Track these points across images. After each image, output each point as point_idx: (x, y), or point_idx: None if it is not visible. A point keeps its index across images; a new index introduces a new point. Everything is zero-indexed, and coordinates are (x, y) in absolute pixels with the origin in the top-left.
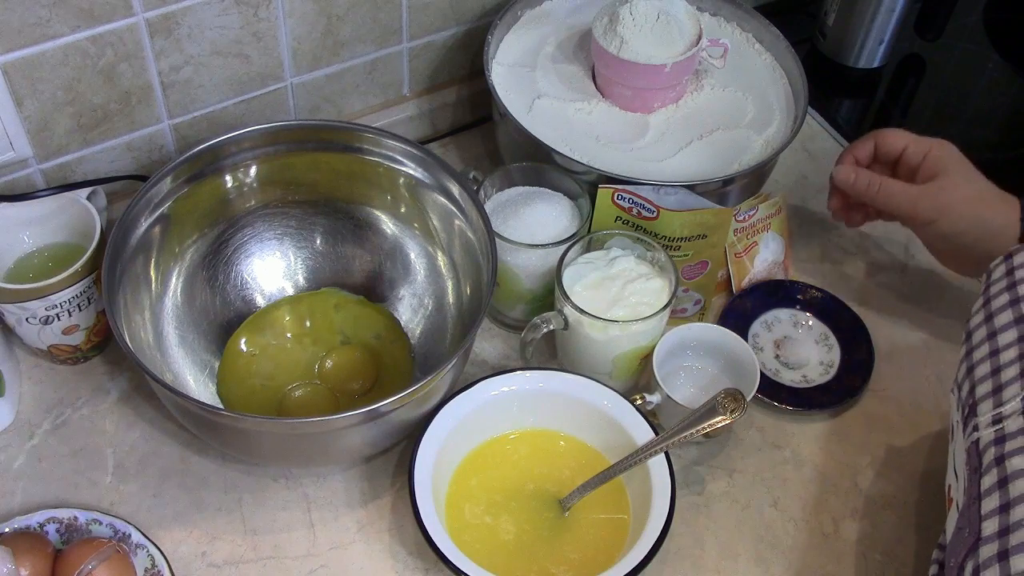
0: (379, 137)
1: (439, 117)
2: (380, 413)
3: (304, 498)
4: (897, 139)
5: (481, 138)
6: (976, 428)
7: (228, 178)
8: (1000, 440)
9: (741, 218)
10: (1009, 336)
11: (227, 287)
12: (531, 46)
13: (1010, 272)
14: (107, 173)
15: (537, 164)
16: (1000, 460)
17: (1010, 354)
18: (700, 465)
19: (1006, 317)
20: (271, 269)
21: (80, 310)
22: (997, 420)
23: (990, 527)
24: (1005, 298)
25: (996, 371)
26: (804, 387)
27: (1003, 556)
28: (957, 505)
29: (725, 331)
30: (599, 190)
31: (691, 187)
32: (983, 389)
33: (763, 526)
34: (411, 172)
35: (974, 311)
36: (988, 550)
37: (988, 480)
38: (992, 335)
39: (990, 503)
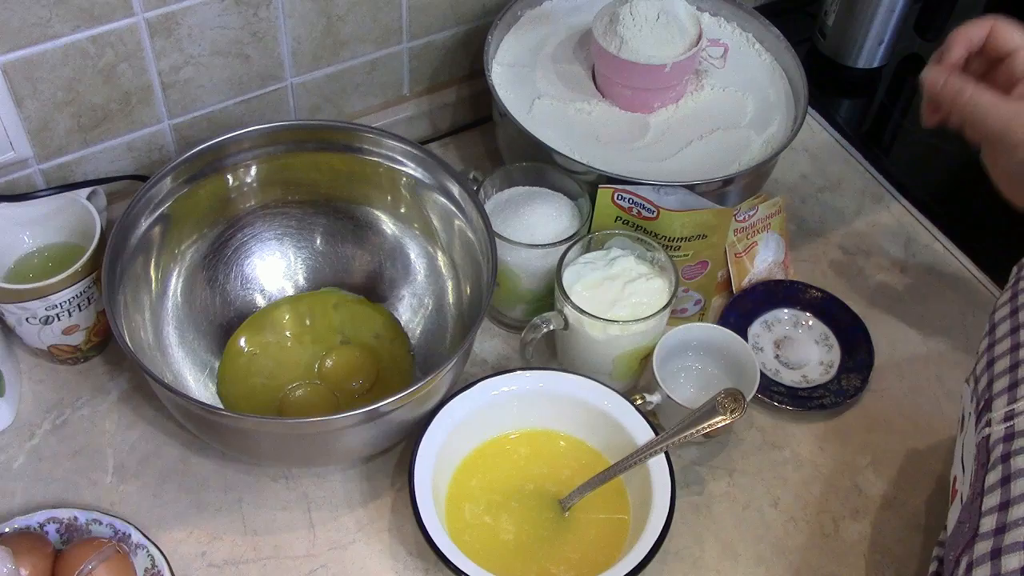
0: (379, 137)
1: (439, 117)
2: (380, 413)
3: (304, 498)
4: (1013, 38)
5: (481, 138)
6: (989, 423)
7: (228, 178)
8: (1009, 437)
9: (741, 218)
10: None
11: (227, 287)
12: (531, 46)
13: None
14: (107, 173)
15: (537, 164)
16: (1006, 457)
17: None
18: (700, 465)
19: None
20: (271, 269)
21: (80, 310)
22: (1009, 417)
23: (988, 524)
24: None
25: (1015, 366)
26: (804, 387)
27: (996, 554)
28: (961, 498)
29: (725, 331)
30: (599, 190)
31: (691, 187)
32: (1000, 384)
33: (763, 526)
34: (411, 172)
35: (999, 304)
36: (983, 547)
37: (992, 477)
38: (1015, 330)
39: (991, 500)
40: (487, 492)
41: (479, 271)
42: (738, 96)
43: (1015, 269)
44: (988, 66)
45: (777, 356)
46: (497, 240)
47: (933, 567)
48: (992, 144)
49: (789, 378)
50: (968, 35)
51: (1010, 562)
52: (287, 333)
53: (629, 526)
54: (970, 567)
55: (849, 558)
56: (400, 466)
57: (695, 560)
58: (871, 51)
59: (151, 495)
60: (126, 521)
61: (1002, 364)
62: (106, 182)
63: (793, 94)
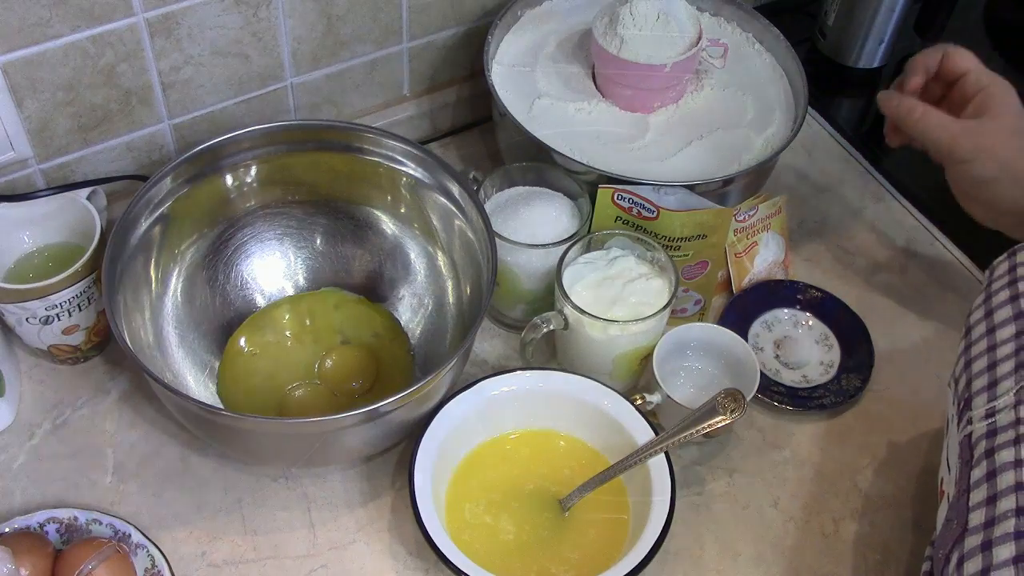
0: (379, 137)
1: (439, 117)
2: (380, 413)
3: (304, 498)
4: (963, 61)
5: (481, 138)
6: (970, 421)
7: (228, 178)
8: (992, 433)
9: (741, 218)
10: (1007, 332)
11: (227, 287)
12: (531, 46)
13: (1013, 269)
14: (107, 173)
15: (537, 164)
16: (990, 453)
17: (1006, 349)
18: (700, 465)
19: (1005, 313)
20: (271, 269)
21: (80, 310)
22: (990, 414)
23: (976, 518)
24: (1005, 294)
25: (992, 366)
26: (804, 387)
27: (986, 546)
28: (948, 497)
29: (725, 331)
30: (599, 190)
31: (691, 187)
32: (979, 383)
33: (763, 526)
34: (411, 172)
35: (975, 306)
36: (973, 540)
37: (978, 472)
38: (991, 330)
39: (978, 495)
40: (487, 492)
41: (479, 271)
42: (738, 96)
43: (987, 272)
44: (944, 89)
45: (777, 356)
46: (497, 240)
47: (925, 567)
48: (943, 161)
49: (789, 378)
50: (924, 61)
51: (1001, 553)
52: (287, 333)
53: (629, 526)
54: (961, 561)
55: (849, 558)
56: (400, 466)
57: (695, 560)
58: (871, 51)
59: (151, 495)
60: (126, 521)
61: (980, 364)
62: (106, 182)
63: (793, 94)
